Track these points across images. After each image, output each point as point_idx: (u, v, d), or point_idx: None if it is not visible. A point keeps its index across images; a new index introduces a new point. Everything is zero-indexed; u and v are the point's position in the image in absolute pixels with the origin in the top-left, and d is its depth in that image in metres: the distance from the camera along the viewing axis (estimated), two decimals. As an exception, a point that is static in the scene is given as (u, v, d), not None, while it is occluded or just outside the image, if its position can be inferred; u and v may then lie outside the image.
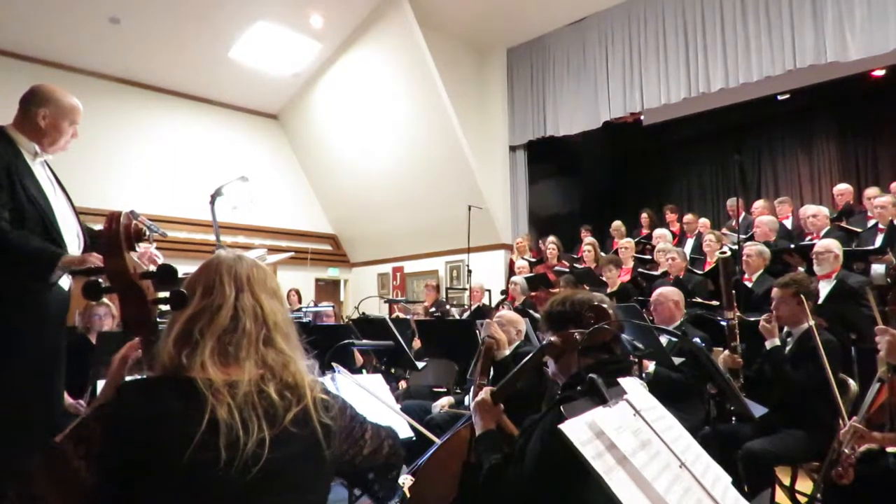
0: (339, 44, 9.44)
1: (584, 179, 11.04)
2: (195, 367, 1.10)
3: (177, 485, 1.01)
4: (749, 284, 4.88)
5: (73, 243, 2.51)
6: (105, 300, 4.61)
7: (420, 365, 4.87)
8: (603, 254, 7.31)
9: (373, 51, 9.14)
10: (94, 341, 4.01)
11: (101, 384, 2.74)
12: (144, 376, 1.20)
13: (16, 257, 2.25)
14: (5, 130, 2.44)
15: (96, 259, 2.25)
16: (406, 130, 9.35)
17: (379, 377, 2.95)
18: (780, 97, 8.80)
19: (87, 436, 1.03)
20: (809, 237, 5.67)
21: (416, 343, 5.72)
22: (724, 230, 6.94)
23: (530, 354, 1.72)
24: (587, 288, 5.69)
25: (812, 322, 3.05)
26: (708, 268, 5.73)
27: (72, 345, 2.81)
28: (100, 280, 1.24)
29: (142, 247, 2.24)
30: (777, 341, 3.15)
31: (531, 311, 5.37)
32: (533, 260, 8.10)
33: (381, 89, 9.32)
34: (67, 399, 3.60)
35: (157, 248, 2.63)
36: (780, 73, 6.84)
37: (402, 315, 7.74)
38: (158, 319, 1.29)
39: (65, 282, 2.48)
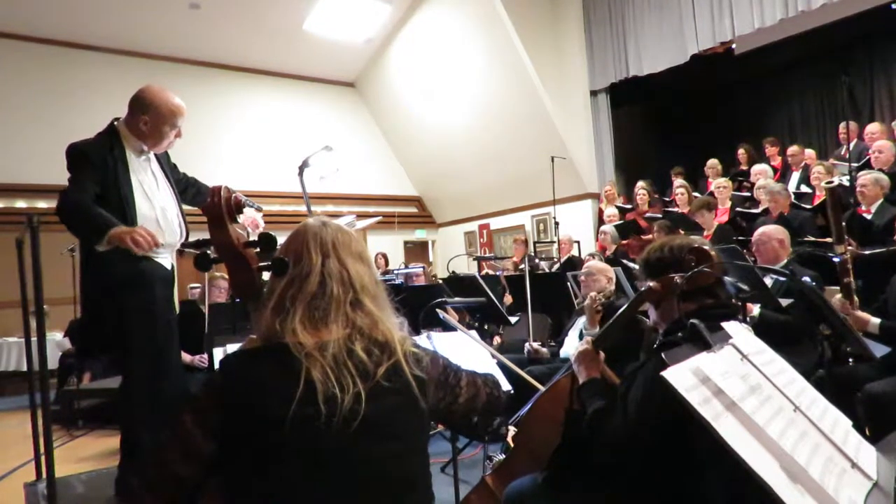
0: (408, 4, 9.35)
1: (672, 119, 10.48)
2: (288, 333, 1.18)
3: (286, 442, 1.09)
4: (868, 216, 4.51)
5: (174, 235, 2.61)
6: (221, 274, 4.97)
7: (513, 320, 4.90)
8: (697, 195, 6.96)
9: (441, 6, 8.98)
10: (203, 310, 4.35)
11: (217, 350, 2.94)
12: (242, 347, 1.28)
13: (74, 217, 2.26)
14: (116, 126, 2.52)
15: (139, 236, 2.15)
16: (482, 85, 9.20)
17: (474, 334, 2.98)
18: (894, 5, 7.88)
19: (200, 407, 1.14)
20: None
21: (508, 299, 5.75)
22: (833, 160, 6.40)
23: (629, 301, 1.68)
24: (682, 232, 5.47)
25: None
26: (817, 201, 5.34)
27: (188, 314, 3.09)
28: (209, 251, 1.32)
29: (247, 213, 2.30)
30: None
31: (624, 261, 5.24)
32: (623, 207, 7.85)
33: (453, 45, 9.18)
34: (186, 357, 4.12)
35: (255, 222, 2.73)
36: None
37: (491, 272, 7.77)
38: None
39: (167, 261, 2.61)
